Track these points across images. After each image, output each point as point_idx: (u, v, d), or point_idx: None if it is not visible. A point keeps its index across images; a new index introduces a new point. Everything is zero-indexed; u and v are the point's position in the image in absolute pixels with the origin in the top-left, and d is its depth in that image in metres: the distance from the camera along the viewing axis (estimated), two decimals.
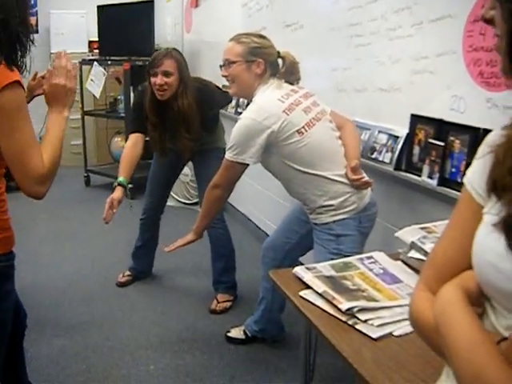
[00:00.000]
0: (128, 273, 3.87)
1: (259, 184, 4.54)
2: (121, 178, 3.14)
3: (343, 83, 3.10)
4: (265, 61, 2.45)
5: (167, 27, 7.11)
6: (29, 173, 1.53)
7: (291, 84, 2.52)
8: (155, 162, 3.61)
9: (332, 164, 2.38)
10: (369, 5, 2.87)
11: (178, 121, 3.17)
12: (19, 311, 2.12)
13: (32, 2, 7.61)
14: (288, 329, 3.06)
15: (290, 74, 2.52)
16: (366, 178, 2.38)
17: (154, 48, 5.79)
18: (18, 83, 1.49)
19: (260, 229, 4.66)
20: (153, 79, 3.10)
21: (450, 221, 0.96)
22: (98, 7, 6.40)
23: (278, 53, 2.51)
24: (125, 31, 6.04)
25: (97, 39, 6.55)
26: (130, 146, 3.28)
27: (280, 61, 2.52)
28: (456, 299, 0.84)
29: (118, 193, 3.05)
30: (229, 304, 3.51)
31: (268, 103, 2.37)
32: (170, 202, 4.33)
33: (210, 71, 5.57)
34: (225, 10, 5.06)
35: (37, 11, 7.62)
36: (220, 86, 3.52)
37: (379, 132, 2.78)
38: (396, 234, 1.91)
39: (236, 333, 3.11)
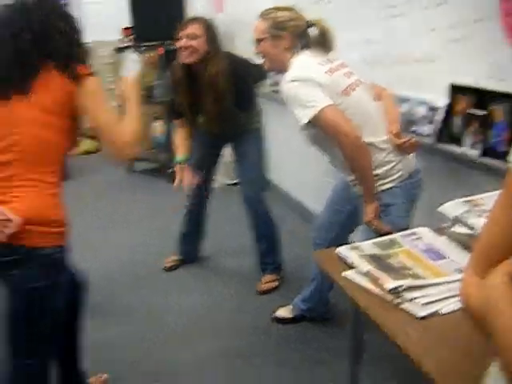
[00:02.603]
0: (175, 257, 3.91)
1: (300, 160, 4.50)
2: (179, 157, 3.36)
3: (378, 55, 3.05)
4: (291, 34, 2.39)
5: (199, 8, 7.08)
6: (116, 141, 1.93)
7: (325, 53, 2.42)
8: (194, 149, 3.61)
9: (376, 129, 2.33)
10: None
11: (206, 88, 3.12)
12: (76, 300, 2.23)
13: None
14: (337, 307, 3.06)
15: (323, 41, 2.42)
16: (412, 139, 2.32)
17: None
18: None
19: (303, 205, 4.64)
20: (178, 43, 3.09)
21: (496, 204, 0.94)
22: None
23: (308, 22, 2.43)
24: (157, 16, 6.03)
25: (130, 26, 6.57)
26: (178, 131, 3.44)
27: (312, 30, 2.43)
28: (502, 285, 0.83)
29: (187, 173, 3.33)
30: (275, 284, 3.51)
31: (307, 65, 2.32)
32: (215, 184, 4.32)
33: (244, 50, 5.53)
34: None
35: (69, 2, 7.71)
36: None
37: (418, 104, 2.73)
38: (439, 209, 1.87)
39: (284, 312, 3.12)
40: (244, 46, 5.53)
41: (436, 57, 2.59)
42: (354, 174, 2.32)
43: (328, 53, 2.42)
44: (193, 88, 3.19)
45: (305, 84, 2.23)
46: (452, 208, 1.85)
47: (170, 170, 5.53)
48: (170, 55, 5.51)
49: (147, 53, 6.32)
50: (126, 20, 6.65)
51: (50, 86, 1.82)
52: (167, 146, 5.62)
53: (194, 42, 3.05)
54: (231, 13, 5.86)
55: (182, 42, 3.06)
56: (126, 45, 6.46)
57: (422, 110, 2.70)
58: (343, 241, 2.64)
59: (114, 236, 4.50)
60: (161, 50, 5.64)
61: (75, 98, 1.84)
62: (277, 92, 4.50)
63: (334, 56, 2.44)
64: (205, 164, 3.63)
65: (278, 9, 2.46)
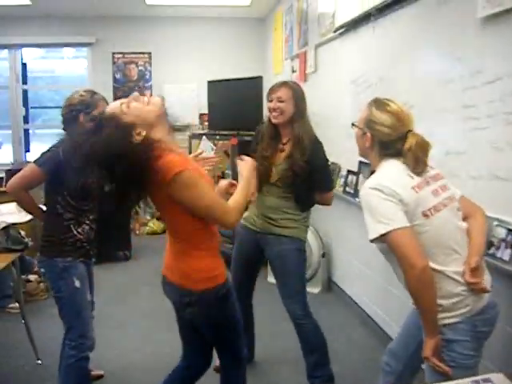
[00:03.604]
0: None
1: (367, 267, 4.32)
2: None
3: (457, 168, 2.87)
4: (374, 137, 2.24)
5: None
6: (219, 218, 2.25)
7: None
8: (237, 247, 3.51)
9: (451, 259, 2.10)
10: (484, 86, 2.67)
11: (293, 145, 3.23)
12: None
13: (147, 76, 8.01)
14: None
15: (416, 156, 2.16)
16: (484, 285, 2.08)
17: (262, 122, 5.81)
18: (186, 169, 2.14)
19: (366, 313, 4.40)
20: (268, 104, 3.28)
21: None
22: (209, 82, 6.56)
23: (408, 132, 2.19)
24: (234, 106, 6.13)
25: (207, 112, 6.71)
26: None
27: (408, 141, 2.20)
28: None
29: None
30: None
31: (395, 175, 2.15)
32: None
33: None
34: (333, 85, 5.00)
35: (152, 85, 8.00)
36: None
37: (497, 225, 2.52)
38: None
39: None
40: (317, 135, 5.55)
41: None
42: (415, 305, 2.11)
43: (415, 171, 2.18)
44: (274, 146, 3.30)
45: (385, 196, 2.06)
46: None
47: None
48: (243, 145, 5.55)
49: (221, 141, 6.39)
50: (204, 106, 6.79)
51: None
52: (230, 236, 5.55)
53: (282, 105, 3.22)
54: (308, 105, 5.85)
55: (272, 104, 3.25)
56: (200, 132, 6.56)
57: (501, 232, 2.49)
58: (413, 372, 2.43)
59: (159, 325, 4.35)
60: (234, 141, 5.66)
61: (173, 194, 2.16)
62: (349, 193, 4.41)
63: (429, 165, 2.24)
64: (245, 265, 3.52)
65: (381, 105, 2.26)
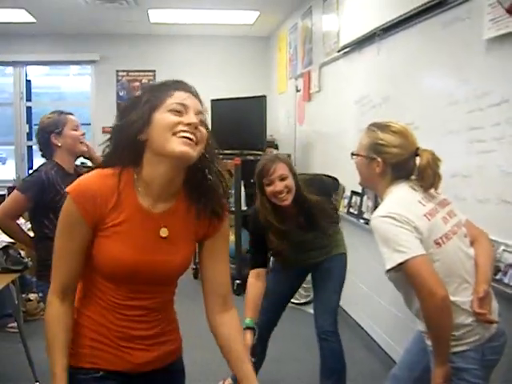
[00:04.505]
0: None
1: (372, 290, 4.27)
2: (247, 320, 2.93)
3: (463, 191, 2.82)
4: (385, 161, 2.15)
5: (280, 119, 7.17)
6: None
7: (425, 191, 2.16)
8: (274, 279, 3.39)
9: (461, 288, 2.05)
10: (490, 108, 2.63)
11: (312, 217, 3.07)
12: None
13: None
14: None
15: (422, 177, 2.14)
16: (491, 317, 2.01)
17: (266, 141, 5.79)
18: None
19: (370, 337, 4.35)
20: (269, 188, 2.95)
21: None
22: (212, 101, 6.54)
23: (417, 149, 2.17)
24: (237, 125, 6.11)
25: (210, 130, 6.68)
26: (253, 283, 3.06)
27: (418, 160, 2.17)
28: None
29: (248, 338, 2.83)
30: None
31: (407, 202, 2.08)
32: None
33: (322, 161, 5.50)
34: (337, 105, 4.98)
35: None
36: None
37: (504, 250, 2.47)
38: None
39: None
40: (321, 156, 5.56)
41: None
42: (429, 333, 2.05)
43: (428, 191, 2.16)
44: (289, 226, 3.06)
45: (399, 224, 1.99)
46: None
47: (238, 282, 5.40)
48: (247, 165, 5.52)
49: (224, 161, 6.36)
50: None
51: None
52: (236, 256, 5.51)
53: (287, 183, 2.96)
54: (311, 124, 5.87)
55: (277, 187, 2.93)
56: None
57: (508, 257, 2.44)
58: None
59: None
60: (237, 160, 5.63)
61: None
62: (353, 214, 4.37)
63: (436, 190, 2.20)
64: (281, 299, 3.46)
65: (385, 128, 2.20)
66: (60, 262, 1.60)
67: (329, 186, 3.34)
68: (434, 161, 2.14)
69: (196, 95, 1.66)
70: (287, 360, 4.08)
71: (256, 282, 3.06)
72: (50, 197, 2.83)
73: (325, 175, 3.47)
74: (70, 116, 3.08)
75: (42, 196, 2.85)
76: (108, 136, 1.65)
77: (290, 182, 2.97)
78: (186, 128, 1.53)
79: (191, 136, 1.53)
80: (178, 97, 1.58)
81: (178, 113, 1.55)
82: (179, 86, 1.63)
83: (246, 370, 1.69)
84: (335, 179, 3.53)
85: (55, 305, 1.61)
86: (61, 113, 3.07)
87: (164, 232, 1.62)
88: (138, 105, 1.58)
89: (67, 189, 1.56)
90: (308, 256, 3.27)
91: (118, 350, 1.62)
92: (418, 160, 2.17)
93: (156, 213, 1.61)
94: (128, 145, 1.57)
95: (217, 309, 1.77)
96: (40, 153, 3.10)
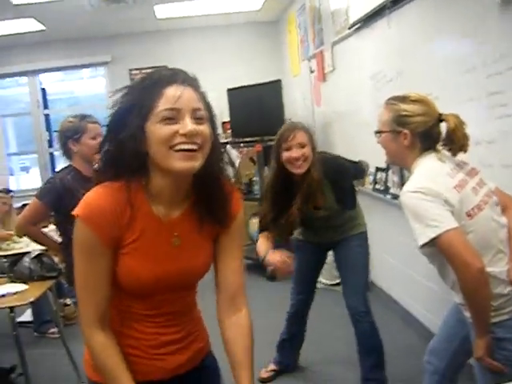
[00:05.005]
0: (272, 367, 3.69)
1: (404, 264, 4.25)
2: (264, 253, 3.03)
3: (488, 158, 2.78)
4: (413, 132, 2.13)
5: (297, 102, 7.13)
6: None
7: (454, 155, 2.16)
8: (298, 260, 3.46)
9: (497, 258, 2.03)
10: (509, 71, 2.58)
11: (309, 194, 3.01)
12: None
13: None
14: None
15: (453, 141, 2.12)
16: None
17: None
18: None
19: (406, 309, 4.33)
20: (286, 154, 2.95)
21: None
22: (228, 90, 6.53)
23: (440, 116, 2.15)
24: (255, 111, 6.10)
25: (228, 119, 6.68)
26: (263, 242, 3.12)
27: (443, 125, 2.15)
28: None
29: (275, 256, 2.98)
30: None
31: (435, 174, 2.06)
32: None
33: (343, 141, 5.47)
34: (353, 82, 4.93)
35: None
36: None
37: None
38: None
39: None
40: (341, 136, 5.53)
41: None
42: (468, 305, 2.03)
43: (457, 154, 2.15)
44: (290, 198, 3.05)
45: (429, 198, 1.97)
46: None
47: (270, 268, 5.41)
48: (268, 150, 5.51)
49: (245, 148, 6.36)
50: (225, 114, 6.75)
51: None
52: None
53: (305, 151, 2.95)
54: (329, 104, 5.83)
55: (294, 153, 2.94)
56: (224, 141, 6.53)
57: None
58: (457, 368, 2.37)
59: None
60: (258, 147, 5.62)
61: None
62: (379, 190, 4.35)
63: (462, 160, 2.18)
64: (309, 276, 3.55)
65: (404, 99, 2.18)
66: (87, 291, 1.49)
67: (349, 170, 3.28)
68: (461, 123, 2.12)
69: (190, 82, 1.47)
70: (325, 341, 4.11)
71: (266, 241, 3.11)
72: (68, 202, 2.86)
73: (350, 161, 3.39)
74: (91, 125, 3.01)
75: (59, 202, 2.86)
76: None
77: (308, 151, 2.97)
78: (183, 139, 1.38)
79: (190, 146, 1.39)
80: (169, 98, 1.40)
81: (172, 120, 1.39)
82: (169, 78, 1.44)
83: (242, 378, 1.59)
84: (361, 167, 3.53)
85: (98, 338, 1.48)
86: (83, 118, 3.02)
87: (180, 239, 1.55)
88: (126, 116, 1.44)
89: (74, 212, 1.43)
90: (323, 233, 3.32)
91: (151, 358, 1.58)
92: (442, 126, 2.15)
93: (171, 219, 1.54)
94: (130, 158, 1.43)
95: (225, 310, 1.68)
96: (62, 155, 3.12)
